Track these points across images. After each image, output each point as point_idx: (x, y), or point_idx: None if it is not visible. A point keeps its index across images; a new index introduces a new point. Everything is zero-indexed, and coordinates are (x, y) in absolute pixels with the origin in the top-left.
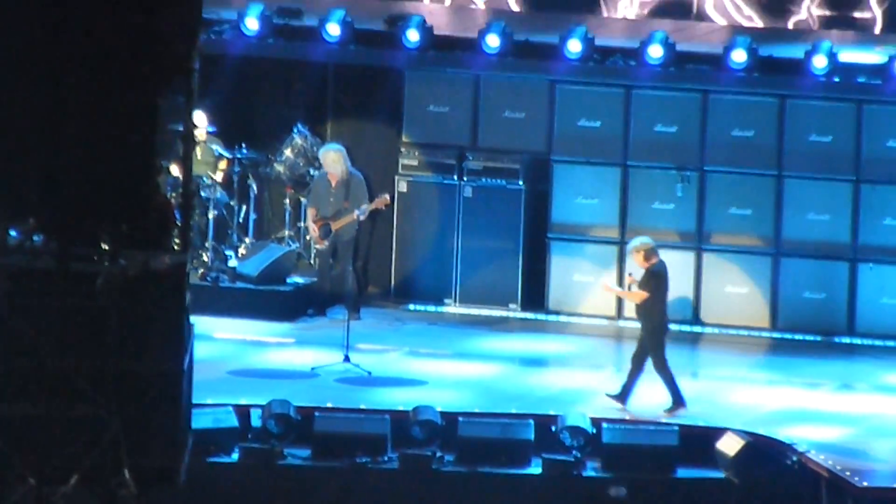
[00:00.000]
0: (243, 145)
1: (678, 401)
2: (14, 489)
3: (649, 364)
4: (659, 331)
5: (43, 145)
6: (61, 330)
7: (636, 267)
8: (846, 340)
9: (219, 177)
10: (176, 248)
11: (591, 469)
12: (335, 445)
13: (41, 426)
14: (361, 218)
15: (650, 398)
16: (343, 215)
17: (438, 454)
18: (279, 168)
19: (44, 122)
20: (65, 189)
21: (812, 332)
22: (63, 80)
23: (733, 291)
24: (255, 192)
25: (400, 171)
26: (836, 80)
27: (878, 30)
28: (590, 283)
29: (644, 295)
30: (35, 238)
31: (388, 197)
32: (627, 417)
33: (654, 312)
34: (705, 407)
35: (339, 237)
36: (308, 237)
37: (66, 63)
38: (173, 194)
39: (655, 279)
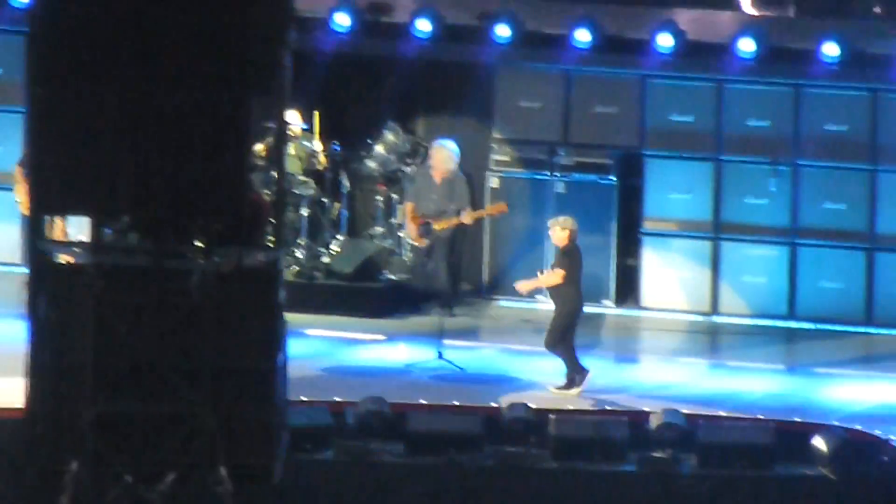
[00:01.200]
0: (335, 142)
1: (572, 381)
2: (111, 487)
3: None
4: (572, 313)
5: (136, 144)
6: (156, 327)
7: (555, 242)
8: None
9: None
10: (269, 245)
11: (687, 466)
12: (429, 443)
13: (137, 424)
14: (470, 222)
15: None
16: (447, 216)
17: (532, 451)
18: (371, 164)
19: (137, 121)
20: (159, 187)
21: None
22: (156, 78)
23: (828, 286)
24: (347, 188)
25: (491, 167)
26: None
27: None
28: (684, 279)
29: (562, 273)
30: (130, 236)
31: (505, 205)
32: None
33: (569, 294)
34: (802, 403)
35: (436, 236)
36: (402, 234)
37: (159, 62)
38: (266, 192)
39: (570, 258)
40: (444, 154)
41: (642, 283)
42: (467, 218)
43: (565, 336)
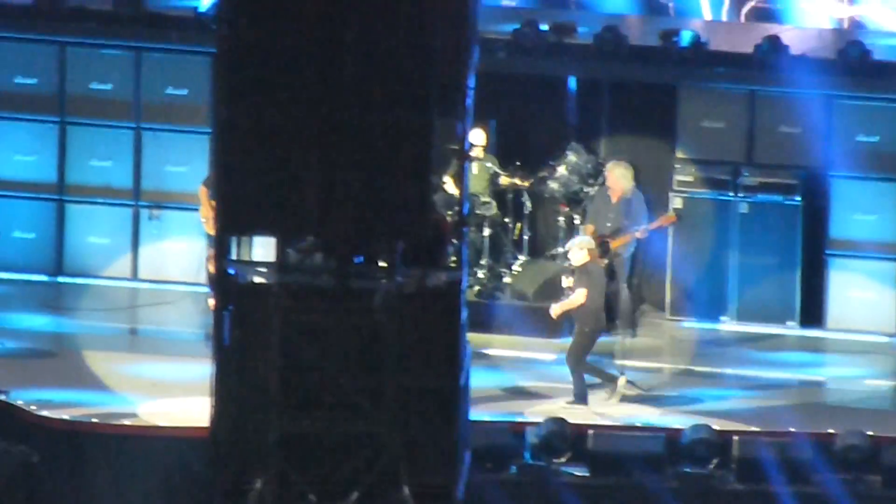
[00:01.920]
0: (518, 163)
1: (582, 398)
2: None
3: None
4: (592, 334)
5: (321, 165)
6: (340, 347)
7: (574, 264)
8: None
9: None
10: (452, 265)
11: (870, 487)
12: (611, 463)
13: (321, 443)
14: (642, 236)
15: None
16: (622, 233)
17: (715, 473)
18: (553, 185)
19: (321, 142)
20: (342, 208)
21: None
22: (340, 100)
23: None
24: (529, 209)
25: (674, 187)
26: None
27: None
28: (869, 300)
29: (584, 292)
30: (314, 257)
31: (674, 214)
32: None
33: (589, 313)
34: None
35: (616, 255)
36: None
37: (343, 83)
38: (449, 212)
39: (589, 277)
40: (618, 173)
41: (827, 304)
42: (640, 233)
43: (585, 356)
